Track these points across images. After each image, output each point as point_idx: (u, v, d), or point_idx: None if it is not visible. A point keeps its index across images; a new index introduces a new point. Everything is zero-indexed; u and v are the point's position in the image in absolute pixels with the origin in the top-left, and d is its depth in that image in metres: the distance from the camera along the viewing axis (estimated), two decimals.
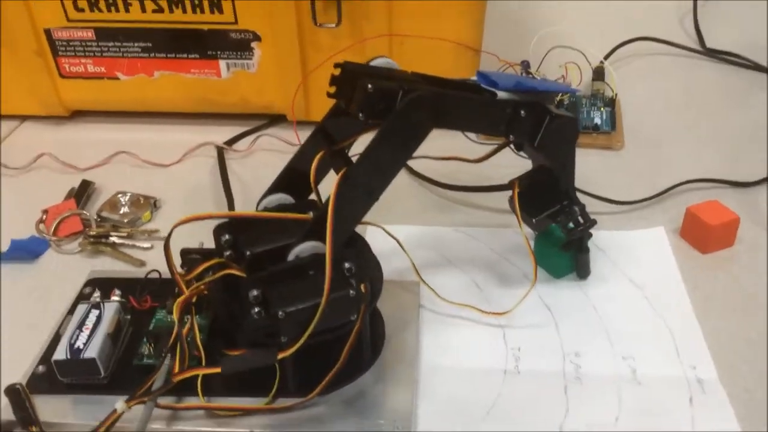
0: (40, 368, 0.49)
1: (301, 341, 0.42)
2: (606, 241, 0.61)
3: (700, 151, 0.75)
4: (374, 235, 0.55)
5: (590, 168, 0.71)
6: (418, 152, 0.47)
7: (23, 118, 0.83)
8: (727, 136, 0.78)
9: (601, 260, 0.60)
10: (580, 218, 0.54)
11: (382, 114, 0.44)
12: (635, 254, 0.61)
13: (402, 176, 0.71)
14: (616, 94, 0.79)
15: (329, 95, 0.47)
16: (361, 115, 0.44)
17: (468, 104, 0.46)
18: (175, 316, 0.47)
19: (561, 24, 0.85)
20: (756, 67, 0.89)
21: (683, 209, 0.63)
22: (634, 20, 1.01)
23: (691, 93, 0.86)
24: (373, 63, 0.47)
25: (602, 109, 0.78)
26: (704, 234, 0.60)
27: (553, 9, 1.07)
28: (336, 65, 0.46)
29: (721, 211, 0.60)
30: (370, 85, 0.43)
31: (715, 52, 0.93)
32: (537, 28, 0.84)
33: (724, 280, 0.58)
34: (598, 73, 0.83)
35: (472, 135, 0.72)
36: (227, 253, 0.47)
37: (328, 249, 0.42)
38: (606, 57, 0.87)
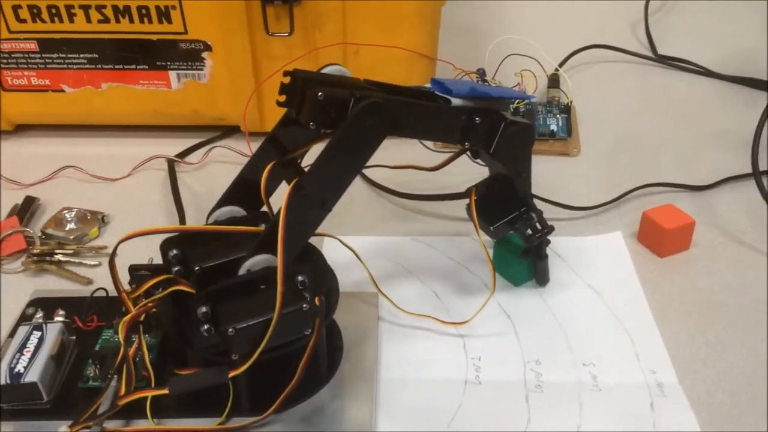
0: None
1: (253, 359, 0.41)
2: (564, 248, 0.61)
3: (656, 156, 0.76)
4: (330, 247, 0.54)
5: (547, 174, 0.71)
6: (373, 161, 0.46)
7: None
8: (681, 140, 0.78)
9: (560, 267, 0.60)
10: (537, 225, 0.54)
11: (334, 123, 0.43)
12: (593, 260, 0.60)
13: (357, 185, 0.71)
14: (571, 101, 0.80)
15: (279, 104, 0.45)
16: (312, 124, 0.43)
17: (421, 111, 0.46)
18: (120, 336, 0.45)
19: (515, 32, 0.85)
20: (707, 73, 0.91)
21: (639, 214, 0.63)
22: (587, 28, 1.02)
23: (645, 99, 0.87)
24: (324, 70, 0.46)
25: (558, 116, 0.79)
26: (660, 238, 0.60)
27: (506, 18, 1.08)
28: (285, 73, 0.45)
29: (677, 215, 0.61)
30: (320, 93, 0.42)
31: (667, 59, 0.94)
32: (491, 37, 0.84)
33: (681, 284, 0.58)
34: (553, 81, 0.83)
35: (429, 143, 0.71)
36: (176, 268, 0.45)
37: (279, 262, 0.41)
38: (560, 65, 0.88)
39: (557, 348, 0.53)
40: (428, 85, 0.49)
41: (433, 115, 0.46)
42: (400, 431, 0.47)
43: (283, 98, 0.45)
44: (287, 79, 0.45)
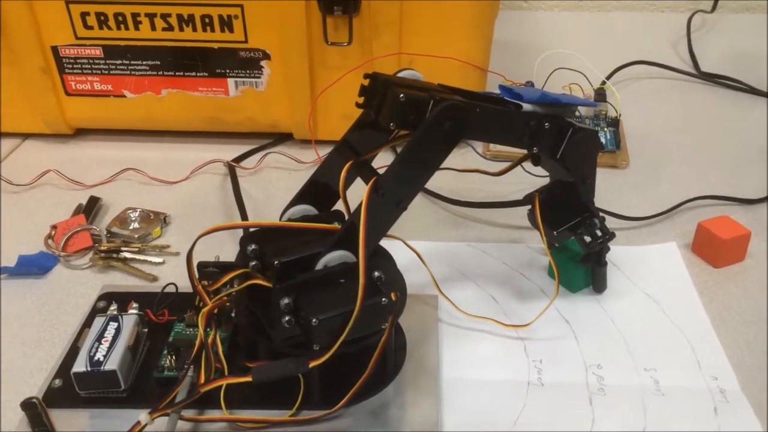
0: (57, 381, 0.48)
1: (334, 348, 0.42)
2: (619, 256, 0.62)
3: (703, 170, 0.76)
4: (390, 249, 0.55)
5: (597, 186, 0.71)
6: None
7: (25, 136, 0.82)
8: (728, 155, 0.79)
9: (615, 275, 0.60)
10: (599, 231, 0.54)
11: (413, 124, 0.44)
12: (649, 269, 0.61)
13: None
14: (620, 114, 0.80)
15: (358, 105, 0.47)
16: (392, 125, 0.45)
17: (496, 115, 0.47)
18: (200, 327, 0.46)
19: (560, 47, 0.87)
20: (751, 90, 0.92)
21: (692, 225, 0.64)
22: (629, 44, 1.04)
23: (690, 114, 0.88)
24: (400, 74, 0.48)
25: (606, 129, 0.80)
26: (717, 248, 0.61)
27: (553, 32, 1.10)
28: (365, 75, 0.46)
29: (733, 226, 0.61)
30: (402, 95, 0.43)
31: (710, 76, 0.95)
32: (538, 51, 0.86)
33: (738, 294, 0.59)
34: (600, 95, 0.84)
35: (479, 149, 0.73)
36: (252, 263, 0.47)
37: (361, 255, 0.42)
38: (607, 79, 0.89)
39: (617, 353, 0.53)
40: (497, 91, 0.51)
41: (507, 119, 0.47)
42: (466, 430, 0.47)
43: (361, 100, 0.46)
44: (367, 82, 0.46)
